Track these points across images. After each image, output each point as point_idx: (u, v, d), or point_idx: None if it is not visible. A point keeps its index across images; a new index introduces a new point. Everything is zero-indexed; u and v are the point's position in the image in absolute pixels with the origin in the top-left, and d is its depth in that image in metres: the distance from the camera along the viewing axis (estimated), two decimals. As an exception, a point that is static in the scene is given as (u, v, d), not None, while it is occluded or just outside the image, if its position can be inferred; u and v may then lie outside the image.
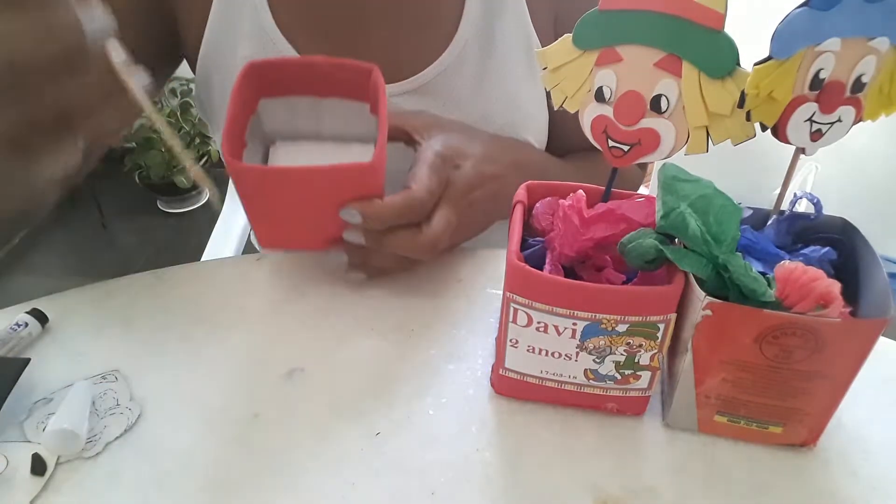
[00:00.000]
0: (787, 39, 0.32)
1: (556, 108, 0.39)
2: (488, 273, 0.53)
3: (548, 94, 0.64)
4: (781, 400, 0.37)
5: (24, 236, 1.91)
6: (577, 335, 0.37)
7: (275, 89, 0.49)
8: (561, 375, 0.39)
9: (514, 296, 0.37)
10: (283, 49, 0.55)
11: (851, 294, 0.36)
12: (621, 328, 0.36)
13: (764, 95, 0.33)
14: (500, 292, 0.40)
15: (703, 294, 0.34)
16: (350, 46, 0.56)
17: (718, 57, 0.33)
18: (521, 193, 0.42)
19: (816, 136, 0.36)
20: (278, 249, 0.52)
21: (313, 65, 0.47)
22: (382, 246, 0.45)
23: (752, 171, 1.39)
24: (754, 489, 0.38)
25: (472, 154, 0.50)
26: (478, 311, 0.49)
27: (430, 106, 0.58)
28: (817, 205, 0.40)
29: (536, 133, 0.63)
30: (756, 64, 0.33)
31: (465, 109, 0.59)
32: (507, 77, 0.59)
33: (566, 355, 0.38)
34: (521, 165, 0.54)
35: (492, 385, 0.43)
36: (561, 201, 0.39)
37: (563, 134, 0.65)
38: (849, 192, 1.59)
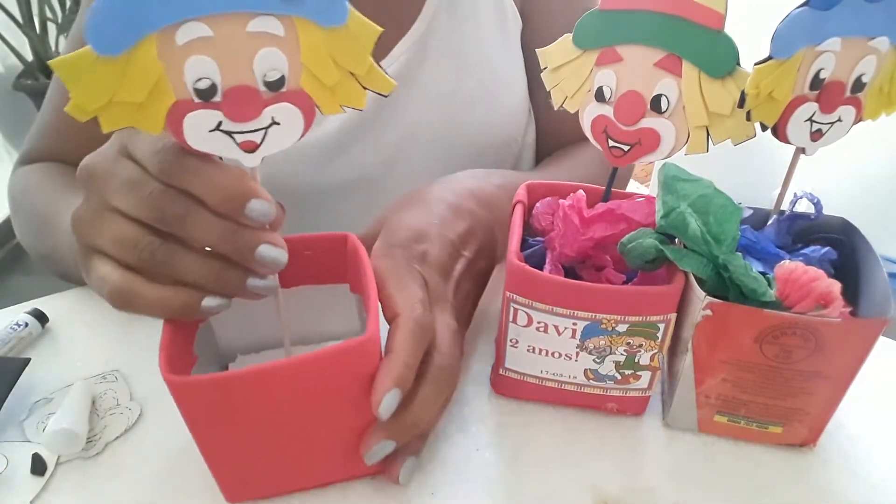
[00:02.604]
0: (787, 39, 0.32)
1: (556, 108, 0.39)
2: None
3: (526, 62, 0.61)
4: (781, 400, 0.37)
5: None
6: (578, 335, 0.37)
7: None
8: (561, 375, 0.39)
9: (515, 296, 0.37)
10: None
11: (851, 294, 0.36)
12: (621, 328, 0.36)
13: (764, 95, 0.33)
14: (500, 293, 0.40)
15: (704, 294, 0.34)
16: None
17: (718, 57, 0.33)
18: (521, 193, 0.42)
19: (816, 135, 0.36)
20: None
21: None
22: (416, 423, 0.34)
23: (752, 171, 1.39)
24: (754, 489, 0.38)
25: (430, 224, 0.41)
26: (478, 311, 0.49)
27: (406, 78, 0.57)
28: (817, 205, 0.40)
29: (514, 101, 0.62)
30: (756, 64, 0.33)
31: (439, 79, 0.58)
32: (480, 44, 0.59)
33: (566, 355, 0.38)
34: (485, 199, 0.46)
35: (492, 385, 0.43)
36: (561, 201, 0.39)
37: (551, 120, 0.65)
38: (849, 191, 1.59)
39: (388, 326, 0.35)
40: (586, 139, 0.38)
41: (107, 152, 0.31)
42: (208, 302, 0.31)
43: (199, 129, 0.27)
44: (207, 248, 0.31)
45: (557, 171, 0.60)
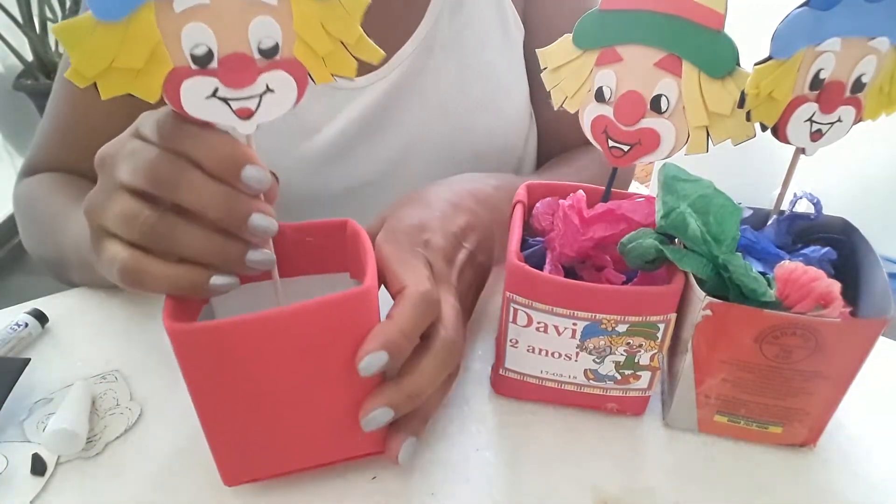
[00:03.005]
0: (787, 39, 0.32)
1: (556, 109, 0.39)
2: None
3: (527, 67, 0.61)
4: (781, 400, 0.37)
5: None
6: (577, 335, 0.37)
7: None
8: (561, 375, 0.39)
9: (515, 296, 0.37)
10: None
11: (851, 294, 0.36)
12: (621, 328, 0.36)
13: (764, 95, 0.33)
14: (500, 292, 0.39)
15: (704, 294, 0.34)
16: None
17: (718, 57, 0.33)
18: (521, 193, 0.42)
19: (816, 136, 0.36)
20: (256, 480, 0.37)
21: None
22: (416, 393, 0.34)
23: (751, 172, 1.39)
24: (754, 489, 0.38)
25: (431, 217, 0.42)
26: (477, 311, 0.49)
27: (408, 84, 0.58)
28: (817, 205, 0.40)
29: (517, 107, 0.62)
30: (756, 64, 0.33)
31: (441, 86, 0.58)
32: (483, 50, 0.59)
33: (566, 355, 0.38)
34: (484, 199, 0.46)
35: (492, 385, 0.43)
36: (561, 201, 0.39)
37: (552, 124, 0.65)
38: (849, 192, 1.59)
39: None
40: (587, 144, 0.38)
41: (119, 137, 0.32)
42: (216, 280, 0.31)
43: (196, 96, 0.28)
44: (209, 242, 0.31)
45: (555, 174, 0.60)
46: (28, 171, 0.57)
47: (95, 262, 0.33)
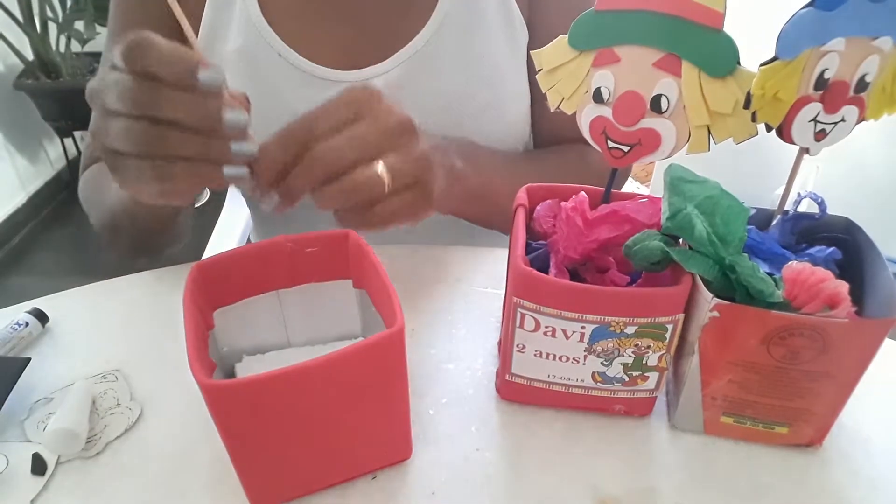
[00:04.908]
0: (793, 40, 0.32)
1: (552, 110, 0.38)
2: (487, 272, 0.53)
3: (529, 67, 0.60)
4: (788, 400, 0.37)
5: (23, 236, 1.90)
6: (586, 338, 0.36)
7: (230, 292, 0.39)
8: (568, 379, 0.39)
9: (522, 301, 0.36)
10: (270, 39, 0.55)
11: (856, 293, 0.36)
12: (630, 330, 0.35)
13: (770, 96, 0.33)
14: (500, 292, 0.39)
15: (711, 296, 0.34)
16: (335, 31, 0.56)
17: (718, 56, 0.33)
18: (521, 197, 0.41)
19: (820, 135, 0.36)
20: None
21: (273, 248, 0.35)
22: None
23: (752, 171, 1.38)
24: (756, 489, 0.37)
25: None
26: (477, 311, 0.49)
27: (411, 83, 0.57)
28: (822, 204, 0.39)
29: (520, 110, 0.62)
30: (762, 65, 0.33)
31: (446, 84, 0.58)
32: (489, 50, 0.58)
33: (574, 359, 0.38)
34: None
35: (497, 391, 0.43)
36: (563, 204, 0.39)
37: (547, 120, 0.65)
38: (851, 191, 1.59)
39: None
40: (580, 142, 0.38)
41: (101, 72, 0.36)
42: (228, 170, 0.35)
43: None
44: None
45: (535, 162, 0.60)
46: (85, 167, 0.64)
47: (117, 187, 0.36)
